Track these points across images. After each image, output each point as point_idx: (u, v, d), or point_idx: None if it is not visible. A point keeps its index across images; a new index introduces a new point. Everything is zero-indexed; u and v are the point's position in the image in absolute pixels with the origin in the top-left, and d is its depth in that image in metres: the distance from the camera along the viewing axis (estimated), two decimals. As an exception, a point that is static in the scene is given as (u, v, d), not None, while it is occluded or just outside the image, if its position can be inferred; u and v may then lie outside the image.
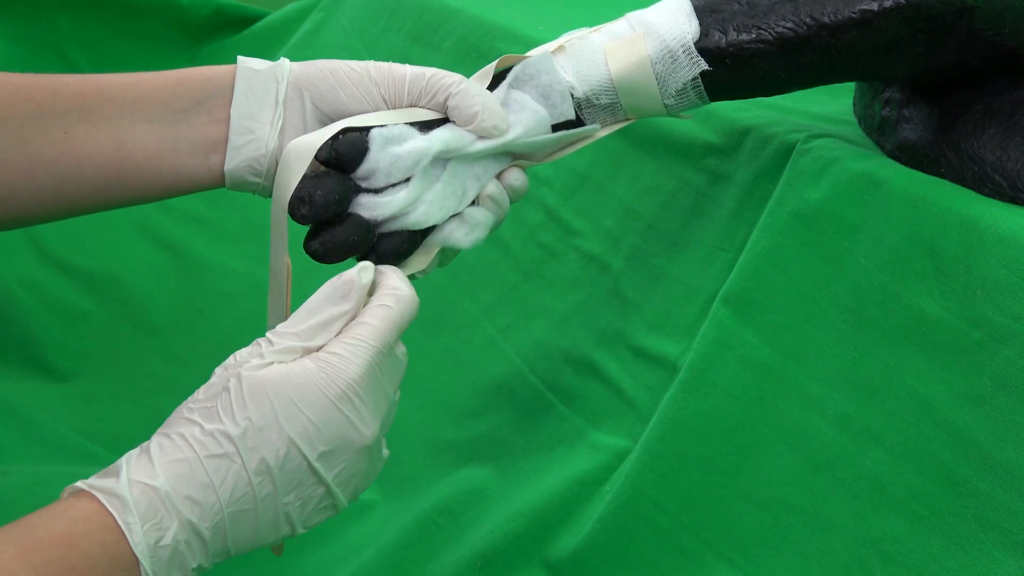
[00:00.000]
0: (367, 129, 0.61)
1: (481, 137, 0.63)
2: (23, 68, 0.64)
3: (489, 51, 1.01)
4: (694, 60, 0.64)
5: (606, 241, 0.85)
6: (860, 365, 0.62)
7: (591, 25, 0.68)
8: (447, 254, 0.66)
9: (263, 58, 0.66)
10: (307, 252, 0.61)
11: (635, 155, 0.85)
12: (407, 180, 0.61)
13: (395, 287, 0.58)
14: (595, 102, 0.66)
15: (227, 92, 0.64)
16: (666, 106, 0.66)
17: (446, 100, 0.63)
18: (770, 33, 0.63)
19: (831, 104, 0.79)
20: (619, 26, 0.66)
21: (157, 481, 0.52)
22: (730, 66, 0.64)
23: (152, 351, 1.17)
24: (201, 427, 0.53)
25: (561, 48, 0.66)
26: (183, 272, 1.24)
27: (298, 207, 0.59)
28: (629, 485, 0.72)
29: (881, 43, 0.62)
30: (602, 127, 0.67)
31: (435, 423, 0.91)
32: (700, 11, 0.65)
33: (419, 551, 0.80)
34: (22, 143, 0.62)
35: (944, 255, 0.58)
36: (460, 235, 0.64)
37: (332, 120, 0.64)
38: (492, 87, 0.65)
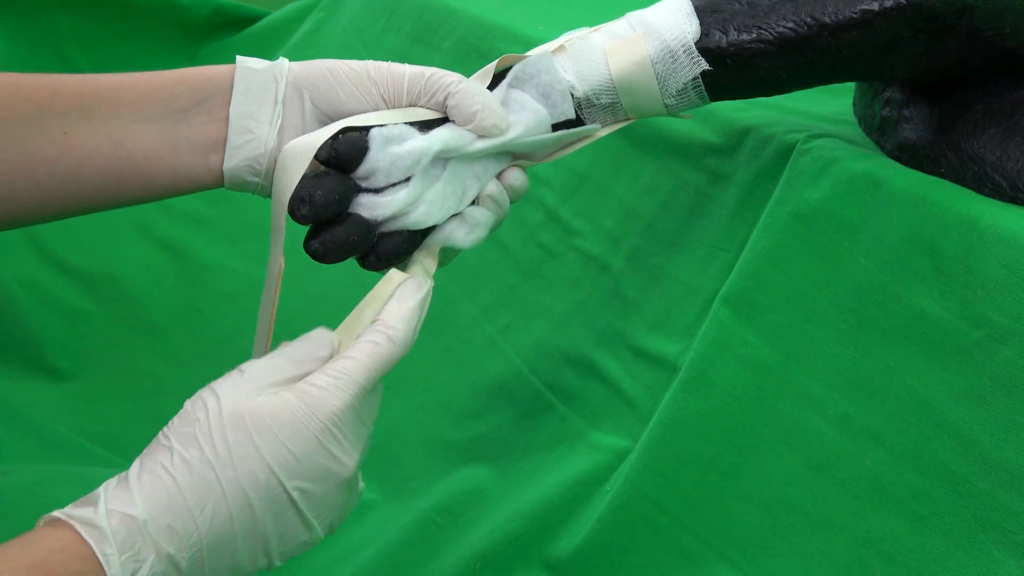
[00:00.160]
0: (367, 129, 0.61)
1: (481, 136, 0.63)
2: (23, 68, 0.64)
3: (489, 51, 1.01)
4: (695, 60, 0.64)
5: (606, 241, 0.85)
6: (860, 365, 0.62)
7: (591, 25, 0.68)
8: (447, 254, 0.66)
9: (263, 58, 0.66)
10: (307, 252, 0.61)
11: (635, 155, 0.85)
12: (407, 180, 0.61)
13: (391, 326, 0.58)
14: (595, 102, 0.66)
15: (226, 92, 0.64)
16: (666, 106, 0.66)
17: (445, 99, 0.63)
18: (771, 33, 0.63)
19: (831, 104, 0.79)
20: (619, 26, 0.66)
21: (135, 510, 0.51)
22: (731, 66, 0.64)
23: (152, 351, 1.17)
24: (179, 454, 0.53)
25: (561, 48, 0.66)
26: (183, 272, 1.24)
27: (298, 207, 0.59)
28: (629, 485, 0.72)
29: (882, 43, 0.62)
30: (602, 127, 0.67)
31: (435, 423, 0.91)
32: (701, 11, 0.65)
33: (419, 551, 0.80)
34: (22, 143, 0.62)
35: (944, 255, 0.58)
36: (460, 235, 0.64)
37: (331, 119, 0.64)
38: (492, 87, 0.65)
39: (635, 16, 0.66)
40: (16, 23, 1.38)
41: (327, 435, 0.54)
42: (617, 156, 0.86)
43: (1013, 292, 0.55)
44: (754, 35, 0.63)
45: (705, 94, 0.65)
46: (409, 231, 0.62)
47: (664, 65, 0.65)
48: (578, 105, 0.65)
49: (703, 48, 0.64)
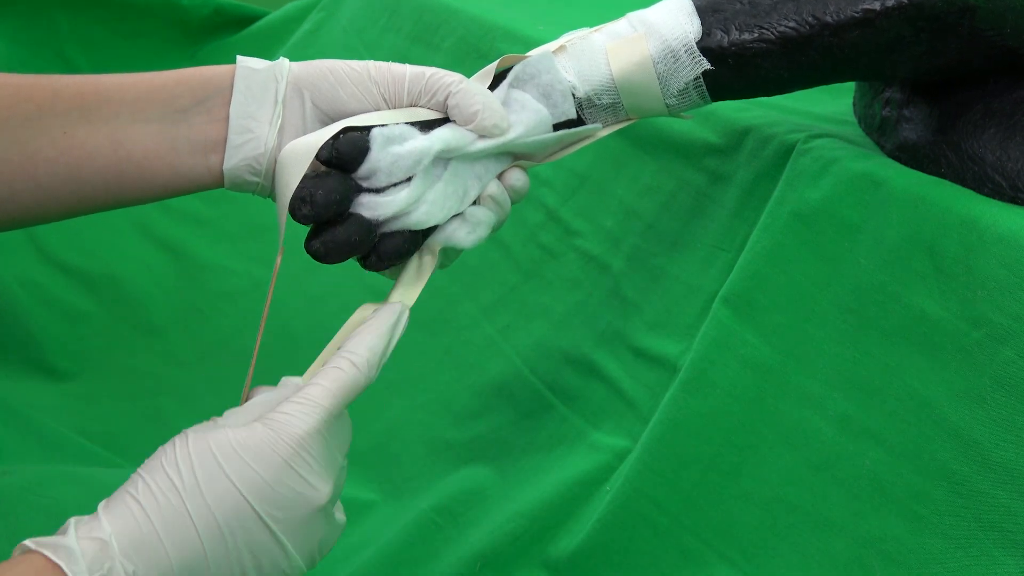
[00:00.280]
0: (368, 129, 0.61)
1: (482, 136, 0.63)
2: (23, 68, 0.64)
3: (489, 51, 1.01)
4: (696, 60, 0.64)
5: (606, 241, 0.85)
6: (860, 365, 0.62)
7: (592, 25, 0.68)
8: (448, 254, 0.66)
9: (263, 58, 0.66)
10: (308, 252, 0.61)
11: (635, 155, 0.85)
12: (408, 180, 0.61)
13: (352, 351, 0.57)
14: (596, 102, 0.66)
15: (226, 92, 0.64)
16: (668, 106, 0.66)
17: (446, 99, 0.63)
18: (772, 32, 0.63)
19: (831, 104, 0.79)
20: (620, 26, 0.66)
21: (103, 533, 0.51)
22: (732, 66, 0.64)
23: (152, 351, 1.17)
24: (145, 481, 0.52)
25: (562, 48, 0.66)
26: (183, 272, 1.25)
27: (299, 207, 0.59)
28: (629, 485, 0.72)
29: (883, 42, 0.62)
30: (603, 127, 0.67)
31: (435, 423, 0.91)
32: (702, 11, 0.65)
33: (419, 551, 0.80)
34: (22, 143, 0.62)
35: (944, 255, 0.58)
36: (462, 235, 0.64)
37: (332, 119, 0.64)
38: (493, 87, 0.65)
39: (636, 16, 0.66)
40: (16, 23, 1.38)
41: (296, 458, 0.54)
42: (617, 156, 0.86)
43: (1013, 292, 0.55)
44: (756, 35, 0.63)
45: (706, 94, 0.65)
46: (410, 231, 0.62)
47: (665, 65, 0.65)
48: (579, 105, 0.65)
49: (704, 48, 0.64)
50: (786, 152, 0.70)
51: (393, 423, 0.93)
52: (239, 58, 0.65)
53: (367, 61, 0.64)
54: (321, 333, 1.04)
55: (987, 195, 0.61)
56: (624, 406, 0.78)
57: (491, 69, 0.65)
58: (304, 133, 0.63)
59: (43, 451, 0.98)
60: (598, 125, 0.66)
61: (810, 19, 0.62)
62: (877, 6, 0.61)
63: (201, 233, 1.28)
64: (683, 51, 0.64)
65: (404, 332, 0.61)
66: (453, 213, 0.63)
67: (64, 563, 0.50)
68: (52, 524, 0.84)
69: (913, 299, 0.60)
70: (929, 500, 0.58)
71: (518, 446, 0.84)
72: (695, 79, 0.65)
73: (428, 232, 0.64)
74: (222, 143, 0.64)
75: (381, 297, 0.64)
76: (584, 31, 0.67)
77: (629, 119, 0.67)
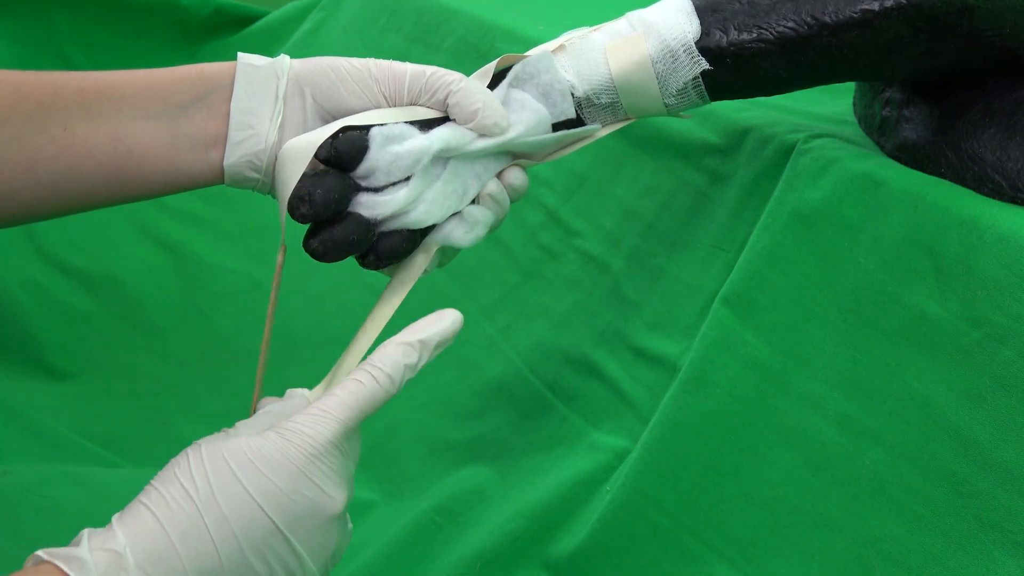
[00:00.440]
0: (367, 128, 0.61)
1: (481, 135, 0.63)
2: (23, 68, 0.64)
3: (489, 51, 1.01)
4: (695, 59, 0.64)
5: (606, 241, 0.85)
6: (860, 365, 0.62)
7: (591, 25, 0.68)
8: (447, 253, 0.66)
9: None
10: (307, 251, 0.61)
11: (635, 155, 0.85)
12: (407, 179, 0.61)
13: (376, 365, 0.57)
14: (595, 101, 0.66)
15: (227, 88, 0.64)
16: (667, 105, 0.66)
17: (446, 98, 0.63)
18: (771, 32, 0.63)
19: (831, 104, 0.79)
20: (620, 25, 0.66)
21: (117, 545, 0.50)
22: (731, 65, 0.64)
23: (152, 351, 1.17)
24: (159, 491, 0.52)
25: (561, 47, 0.66)
26: (183, 272, 1.24)
27: (297, 206, 0.59)
28: (629, 485, 0.72)
29: (882, 43, 0.62)
30: (602, 126, 0.67)
31: (435, 423, 0.91)
32: (701, 10, 0.65)
33: (419, 551, 0.80)
34: (22, 140, 0.62)
35: (944, 255, 0.58)
36: (460, 234, 0.64)
37: (333, 116, 0.64)
38: (492, 86, 0.65)
39: (635, 15, 0.66)
40: (16, 23, 1.38)
41: (311, 467, 0.53)
42: (617, 156, 0.86)
43: (1013, 292, 0.55)
44: (754, 35, 0.63)
45: (705, 94, 0.65)
46: (409, 230, 0.62)
47: (664, 64, 0.65)
48: (578, 105, 0.65)
49: (703, 48, 0.64)
50: (786, 152, 0.70)
51: (393, 423, 0.93)
52: (240, 55, 0.65)
53: (368, 59, 0.64)
54: (320, 332, 1.05)
55: (987, 195, 0.61)
56: (624, 406, 0.78)
57: (490, 68, 0.65)
58: (305, 130, 0.63)
59: (43, 451, 0.98)
60: (597, 125, 0.66)
61: (809, 19, 0.62)
62: (876, 6, 0.61)
63: (201, 233, 1.28)
64: (682, 51, 0.64)
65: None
66: (452, 212, 0.63)
67: (77, 575, 0.49)
68: (52, 524, 0.84)
69: (913, 299, 0.60)
70: (929, 500, 0.58)
71: (518, 446, 0.84)
72: (694, 79, 0.65)
73: (427, 231, 0.64)
74: (222, 139, 0.64)
75: (380, 297, 0.64)
76: (583, 30, 0.67)
77: (628, 119, 0.67)
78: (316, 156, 0.60)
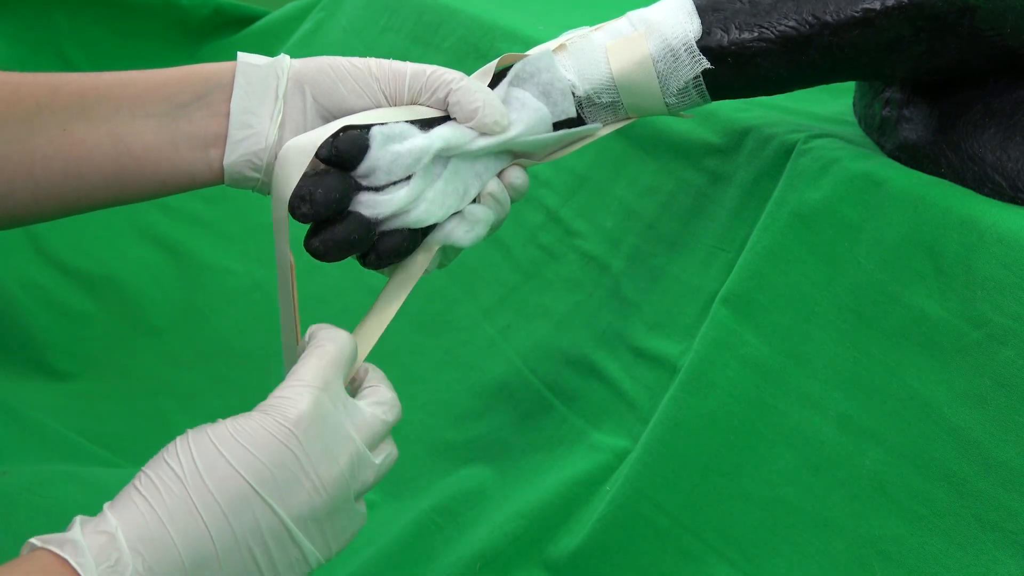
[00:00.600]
0: (368, 127, 0.61)
1: (482, 134, 0.63)
2: (23, 68, 0.64)
3: (489, 51, 1.01)
4: (696, 59, 0.64)
5: (606, 242, 0.85)
6: (860, 365, 0.62)
7: (592, 25, 0.68)
8: (447, 253, 0.66)
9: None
10: (308, 250, 0.61)
11: (635, 155, 0.85)
12: (408, 178, 0.61)
13: (330, 336, 0.58)
14: (596, 100, 0.66)
15: (227, 87, 0.64)
16: (667, 105, 0.66)
17: (446, 96, 0.63)
18: (772, 32, 0.63)
19: (831, 104, 0.79)
20: (620, 25, 0.66)
21: (109, 527, 0.51)
22: (732, 65, 0.64)
23: (152, 351, 1.17)
24: (147, 475, 0.52)
25: (562, 46, 0.66)
26: (183, 272, 1.24)
27: (299, 205, 0.59)
28: (629, 485, 0.72)
29: (883, 42, 0.62)
30: (603, 126, 0.67)
31: (435, 424, 0.91)
32: (702, 10, 0.65)
33: (419, 551, 0.80)
34: (21, 140, 0.62)
35: (944, 255, 0.58)
36: (460, 233, 0.64)
37: (333, 115, 0.64)
38: (493, 85, 0.65)
39: (636, 15, 0.66)
40: (16, 23, 1.38)
41: (292, 439, 0.53)
42: (617, 156, 0.86)
43: (1013, 292, 0.55)
44: (756, 34, 0.63)
45: (706, 93, 0.65)
46: (410, 229, 0.62)
47: (665, 64, 0.65)
48: (579, 104, 0.65)
49: (704, 47, 0.64)
50: (786, 152, 0.70)
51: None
52: (240, 54, 0.65)
53: (368, 58, 0.64)
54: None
55: (987, 195, 0.61)
56: (624, 406, 0.78)
57: (491, 67, 0.65)
58: (305, 129, 0.63)
59: (43, 451, 0.98)
60: (598, 124, 0.66)
61: (810, 18, 0.62)
62: (877, 5, 0.61)
63: (201, 233, 1.27)
64: (683, 50, 0.64)
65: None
66: (452, 211, 0.63)
67: (70, 557, 0.49)
68: (52, 524, 0.83)
69: (913, 299, 0.60)
70: (929, 500, 0.58)
71: (518, 446, 0.84)
72: (695, 78, 0.65)
73: (427, 230, 0.64)
74: (222, 138, 0.64)
75: (379, 296, 0.64)
76: (584, 30, 0.67)
77: (629, 118, 0.67)
78: (317, 155, 0.60)
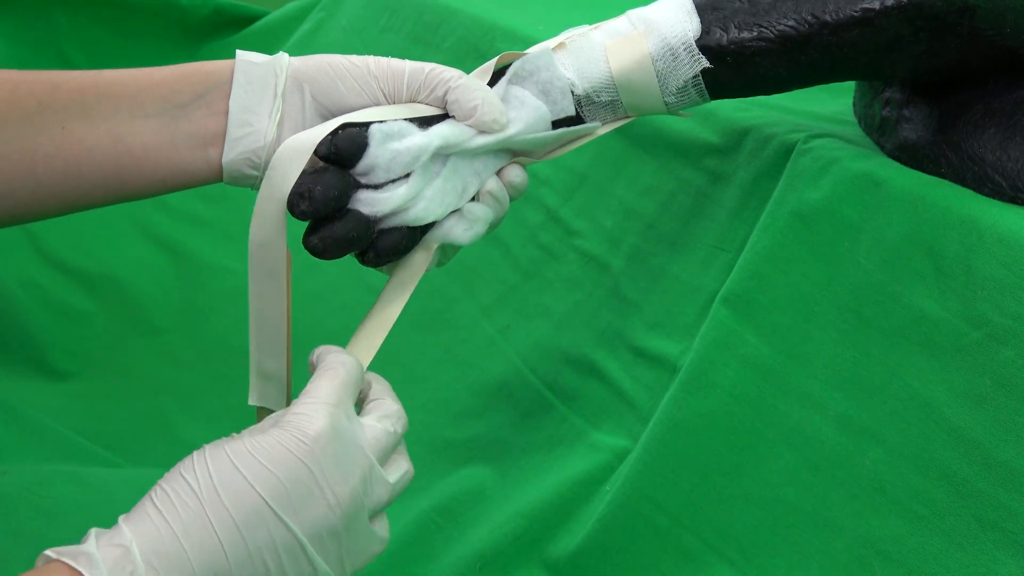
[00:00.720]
0: (366, 125, 0.61)
1: (481, 132, 0.63)
2: (23, 67, 0.64)
3: (489, 51, 1.01)
4: (695, 58, 0.64)
5: (606, 241, 0.85)
6: (860, 365, 0.62)
7: (591, 24, 0.68)
8: (446, 251, 0.66)
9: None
10: (306, 248, 0.61)
11: (635, 155, 0.85)
12: (407, 176, 0.61)
13: (340, 360, 0.58)
14: (595, 99, 0.66)
15: (226, 86, 0.64)
16: (667, 104, 0.66)
17: (445, 94, 0.63)
18: (772, 31, 0.63)
19: (831, 104, 0.79)
20: (620, 24, 0.66)
21: (124, 540, 0.50)
22: (731, 64, 0.64)
23: (152, 351, 1.17)
24: (164, 488, 0.52)
25: (562, 45, 0.66)
26: (183, 272, 1.25)
27: (297, 203, 0.59)
28: (629, 485, 0.72)
29: (883, 42, 0.62)
30: (602, 124, 0.67)
31: (435, 423, 0.91)
32: (701, 9, 0.65)
33: (419, 551, 0.80)
34: (21, 139, 0.62)
35: (944, 255, 0.58)
36: (459, 231, 0.64)
37: (332, 113, 0.64)
38: (492, 83, 0.65)
39: (636, 14, 0.66)
40: (16, 22, 1.38)
41: (310, 457, 0.53)
42: (617, 156, 0.86)
43: (1013, 292, 0.55)
44: (755, 33, 0.63)
45: (705, 92, 0.65)
46: (408, 227, 0.62)
47: (665, 63, 0.65)
48: (578, 102, 0.65)
49: (704, 46, 0.64)
50: (786, 152, 0.70)
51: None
52: (239, 52, 0.65)
53: (367, 56, 0.64)
54: (320, 331, 1.05)
55: (987, 195, 0.61)
56: (624, 406, 0.78)
57: (490, 66, 0.65)
58: (304, 127, 0.63)
59: (43, 451, 0.98)
60: (597, 123, 0.66)
61: (809, 18, 0.62)
62: (876, 5, 0.61)
63: (201, 233, 1.28)
64: (682, 49, 0.64)
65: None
66: (451, 209, 0.63)
67: (85, 569, 0.49)
68: (52, 524, 0.84)
69: (913, 299, 0.60)
70: (929, 500, 0.58)
71: (518, 446, 0.84)
72: (694, 77, 0.65)
73: (426, 228, 0.64)
74: (221, 136, 0.64)
75: (379, 296, 0.64)
76: (583, 28, 0.67)
77: (628, 117, 0.67)
78: (316, 153, 0.60)
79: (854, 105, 0.76)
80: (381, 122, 0.61)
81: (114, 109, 0.63)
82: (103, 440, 1.04)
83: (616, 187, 0.86)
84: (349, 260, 0.64)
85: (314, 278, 1.07)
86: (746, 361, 0.68)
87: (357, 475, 0.55)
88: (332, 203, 0.59)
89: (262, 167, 0.64)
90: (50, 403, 1.09)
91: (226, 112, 0.64)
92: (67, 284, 1.23)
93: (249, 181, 0.65)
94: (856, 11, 0.61)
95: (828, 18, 0.62)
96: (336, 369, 0.57)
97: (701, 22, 0.64)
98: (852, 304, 0.63)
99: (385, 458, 0.58)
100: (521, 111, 0.64)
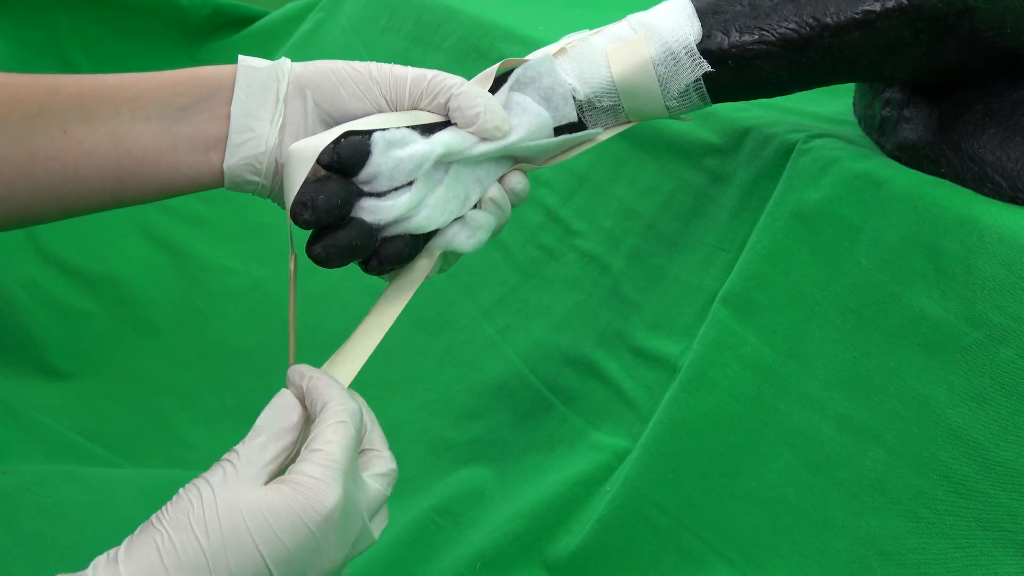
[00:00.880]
0: (369, 133, 0.61)
1: (483, 139, 0.63)
2: (23, 68, 0.64)
3: (489, 51, 1.01)
4: (696, 62, 0.64)
5: (606, 241, 0.85)
6: (860, 365, 0.62)
7: (592, 25, 0.68)
8: (448, 258, 0.66)
9: (263, 58, 0.66)
10: (310, 256, 0.61)
11: (635, 156, 0.85)
12: (410, 184, 0.61)
13: (342, 403, 0.56)
14: (597, 104, 0.66)
15: (228, 90, 0.64)
16: (668, 108, 0.66)
17: (447, 101, 0.63)
18: (773, 34, 0.63)
19: (831, 104, 0.79)
20: (620, 28, 0.66)
21: None
22: (732, 67, 0.64)
23: (152, 351, 1.17)
24: (169, 536, 0.52)
25: (563, 50, 0.66)
26: (183, 272, 1.25)
27: (300, 212, 0.59)
28: (629, 485, 0.72)
29: (883, 44, 0.62)
30: (604, 130, 0.67)
31: (435, 423, 0.91)
32: (702, 13, 0.65)
33: (419, 551, 0.80)
34: (21, 142, 0.62)
35: (944, 255, 0.58)
36: (462, 239, 0.64)
37: (334, 119, 0.64)
38: (493, 90, 0.65)
39: (636, 18, 0.66)
40: (16, 23, 1.38)
41: (321, 528, 0.53)
42: (617, 157, 0.86)
43: (1013, 292, 0.55)
44: (756, 36, 0.63)
45: (707, 96, 0.65)
46: (411, 235, 0.62)
47: (666, 67, 0.65)
48: (580, 108, 0.65)
49: (705, 50, 0.64)
50: (786, 152, 0.70)
51: (393, 423, 0.93)
52: (241, 57, 0.65)
53: (369, 62, 0.64)
54: (321, 332, 1.05)
55: (987, 195, 0.61)
56: (624, 406, 0.78)
57: (491, 72, 0.65)
58: (306, 132, 0.63)
59: (43, 451, 0.98)
60: (599, 130, 0.66)
61: (810, 20, 0.62)
62: (877, 7, 0.61)
63: (201, 233, 1.28)
64: (683, 53, 0.64)
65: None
66: (454, 217, 0.63)
67: None
68: (52, 524, 0.84)
69: (913, 299, 0.60)
70: (929, 500, 0.58)
71: (518, 446, 0.84)
72: (695, 81, 0.65)
73: (429, 236, 0.64)
74: (223, 141, 0.64)
75: (379, 299, 0.64)
76: (584, 33, 0.67)
77: (629, 122, 0.67)
78: (318, 162, 0.60)
79: (854, 105, 0.76)
80: (383, 130, 0.61)
81: (114, 112, 0.63)
82: (103, 440, 1.04)
83: (616, 187, 0.86)
84: (352, 266, 0.64)
85: (316, 280, 1.07)
86: (746, 361, 0.68)
87: (352, 539, 0.56)
88: (335, 212, 0.59)
89: (263, 172, 0.64)
90: (50, 403, 1.09)
91: (227, 117, 0.63)
92: (67, 284, 1.23)
93: (250, 187, 0.65)
94: (857, 13, 0.61)
95: (829, 20, 0.62)
96: (345, 423, 0.56)
97: (702, 26, 0.64)
98: (852, 304, 0.63)
99: (374, 516, 0.58)
100: (523, 118, 0.64)
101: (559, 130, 0.65)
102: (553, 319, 0.87)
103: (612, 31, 0.66)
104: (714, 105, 0.68)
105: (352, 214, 0.61)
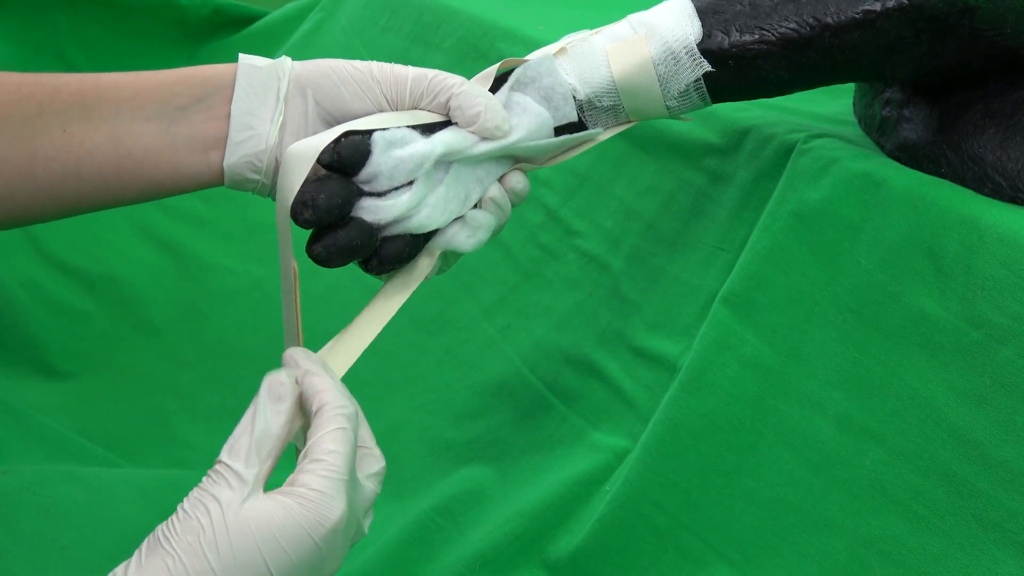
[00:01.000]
0: (369, 132, 0.61)
1: (484, 139, 0.63)
2: (23, 68, 0.64)
3: (489, 51, 1.01)
4: (697, 62, 0.64)
5: (606, 241, 0.85)
6: (860, 365, 0.62)
7: (592, 25, 0.68)
8: (448, 258, 0.66)
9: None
10: (310, 256, 0.61)
11: (635, 155, 0.85)
12: (410, 183, 0.61)
13: (340, 405, 0.56)
14: (597, 104, 0.66)
15: (228, 89, 0.64)
16: (668, 108, 0.66)
17: (448, 101, 0.63)
18: (773, 34, 0.63)
19: (831, 104, 0.79)
20: (620, 28, 0.66)
21: None
22: (733, 67, 0.64)
23: (152, 351, 1.17)
24: (182, 561, 0.51)
25: (563, 50, 0.66)
26: (183, 272, 1.25)
27: (301, 211, 0.59)
28: (629, 485, 0.72)
29: (884, 43, 0.62)
30: (604, 130, 0.67)
31: (435, 423, 0.91)
32: (702, 12, 0.65)
33: (419, 551, 0.80)
34: (21, 141, 0.62)
35: (944, 255, 0.58)
36: (462, 238, 0.64)
37: (335, 118, 0.64)
38: (494, 90, 0.65)
39: (636, 18, 0.66)
40: (16, 23, 1.38)
41: (326, 541, 0.53)
42: (617, 157, 0.86)
43: (1013, 292, 0.55)
44: (756, 36, 0.63)
45: (707, 96, 0.65)
46: (412, 235, 0.62)
47: (666, 67, 0.65)
48: (580, 107, 0.65)
49: (705, 49, 0.64)
50: (786, 152, 0.70)
51: (393, 423, 0.93)
52: (241, 56, 0.65)
53: (370, 62, 0.64)
54: (321, 332, 1.05)
55: (987, 195, 0.61)
56: (624, 406, 0.78)
57: (491, 72, 0.65)
58: (306, 131, 0.63)
59: (43, 451, 0.98)
60: (599, 130, 0.66)
61: (811, 20, 0.62)
62: (877, 7, 0.61)
63: (201, 233, 1.28)
64: (684, 53, 0.64)
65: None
66: (454, 216, 0.63)
67: None
68: (52, 524, 0.84)
69: (913, 299, 0.60)
70: (929, 500, 0.58)
71: (518, 446, 0.84)
72: (696, 81, 0.65)
73: (429, 236, 0.64)
74: (223, 140, 0.64)
75: (376, 294, 0.64)
76: (584, 33, 0.67)
77: (629, 121, 0.67)
78: (319, 161, 0.60)
79: (854, 105, 0.76)
80: (384, 129, 0.61)
81: (114, 111, 0.63)
82: (103, 440, 1.04)
83: (616, 187, 0.86)
84: (352, 269, 0.64)
85: (316, 279, 1.07)
86: (746, 361, 0.68)
87: (351, 541, 0.56)
88: (335, 211, 0.59)
89: (263, 171, 0.64)
90: (50, 403, 1.09)
91: (227, 116, 0.63)
92: (67, 284, 1.23)
93: (251, 185, 0.65)
94: (857, 13, 0.61)
95: (829, 20, 0.62)
96: (345, 429, 0.55)
97: (702, 25, 0.64)
98: (852, 304, 0.63)
99: (366, 513, 0.58)
100: (523, 117, 0.64)
101: (559, 130, 0.65)
102: (553, 319, 0.87)
103: (612, 31, 0.66)
104: (714, 105, 0.68)
105: (352, 214, 0.61)
